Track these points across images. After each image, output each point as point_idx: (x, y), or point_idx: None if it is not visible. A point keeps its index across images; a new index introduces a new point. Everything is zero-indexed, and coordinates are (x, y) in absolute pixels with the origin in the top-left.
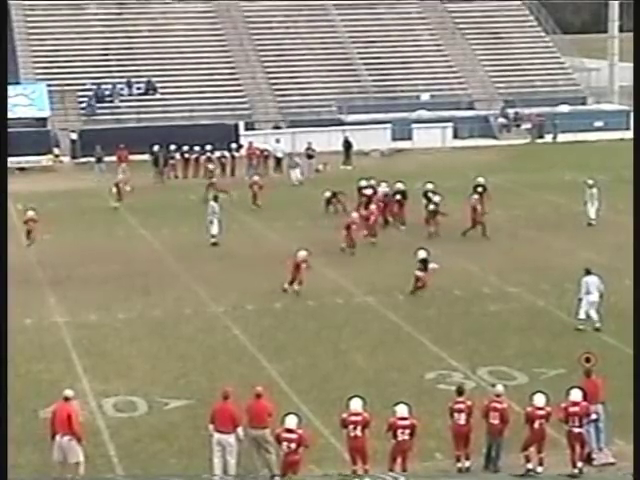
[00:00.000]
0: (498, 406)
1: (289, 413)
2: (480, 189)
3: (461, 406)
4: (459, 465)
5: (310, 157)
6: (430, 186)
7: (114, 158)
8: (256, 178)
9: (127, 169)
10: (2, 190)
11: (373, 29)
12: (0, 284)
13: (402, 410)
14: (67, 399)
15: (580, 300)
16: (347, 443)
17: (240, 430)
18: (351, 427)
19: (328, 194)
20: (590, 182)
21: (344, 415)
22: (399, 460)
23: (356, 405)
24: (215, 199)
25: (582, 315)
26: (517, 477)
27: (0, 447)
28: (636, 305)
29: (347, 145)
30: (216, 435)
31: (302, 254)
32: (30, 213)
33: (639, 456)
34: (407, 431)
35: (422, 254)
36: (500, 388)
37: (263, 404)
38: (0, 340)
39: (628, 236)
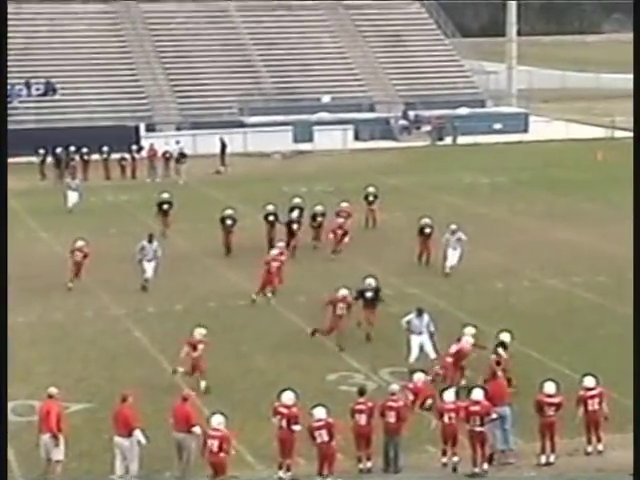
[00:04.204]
0: (394, 405)
1: (215, 412)
2: (371, 198)
3: (362, 407)
4: (360, 466)
5: (181, 161)
6: (371, 189)
7: None
8: (80, 243)
9: None
10: (2, 190)
11: (274, 31)
12: (0, 284)
13: (319, 413)
14: (50, 396)
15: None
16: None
17: (138, 432)
18: (278, 418)
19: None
20: (453, 227)
21: (275, 404)
22: (325, 464)
23: (286, 398)
24: (150, 239)
25: (414, 357)
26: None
27: (0, 447)
28: (636, 306)
29: (222, 147)
30: (115, 438)
31: None
32: None
33: (639, 456)
34: (324, 432)
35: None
36: (395, 386)
37: (186, 409)
38: (0, 340)
39: (525, 237)
